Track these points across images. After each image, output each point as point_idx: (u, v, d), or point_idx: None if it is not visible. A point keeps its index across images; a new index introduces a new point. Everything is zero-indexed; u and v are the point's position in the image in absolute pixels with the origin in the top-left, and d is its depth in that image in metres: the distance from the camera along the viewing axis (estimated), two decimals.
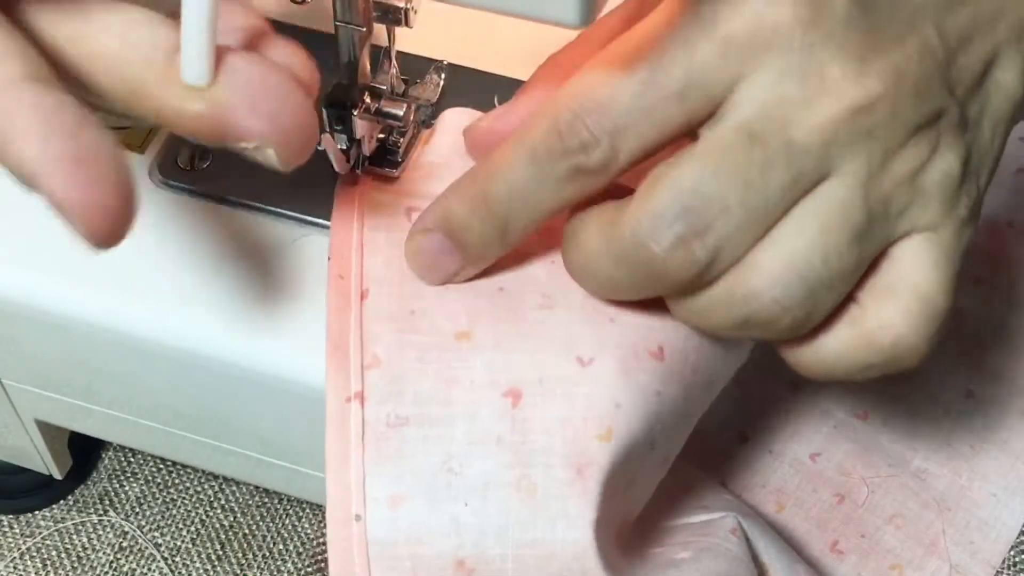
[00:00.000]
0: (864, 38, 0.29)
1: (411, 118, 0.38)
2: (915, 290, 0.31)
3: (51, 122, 0.25)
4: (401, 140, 0.38)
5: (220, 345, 0.37)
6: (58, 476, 0.52)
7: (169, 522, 0.53)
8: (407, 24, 0.35)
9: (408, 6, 0.34)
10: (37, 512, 0.54)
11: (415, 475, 0.33)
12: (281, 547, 0.53)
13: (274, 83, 0.27)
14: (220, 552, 0.53)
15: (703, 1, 0.29)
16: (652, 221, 0.30)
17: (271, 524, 0.53)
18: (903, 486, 0.49)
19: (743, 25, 0.29)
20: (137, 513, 0.54)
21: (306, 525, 0.53)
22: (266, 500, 0.54)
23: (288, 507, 0.54)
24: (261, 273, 0.37)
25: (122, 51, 0.27)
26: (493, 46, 0.42)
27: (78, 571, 0.52)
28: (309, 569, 0.52)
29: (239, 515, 0.54)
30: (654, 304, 0.33)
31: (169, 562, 0.52)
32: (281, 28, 0.30)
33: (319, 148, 0.30)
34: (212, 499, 0.54)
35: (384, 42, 0.37)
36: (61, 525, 0.53)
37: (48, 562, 0.52)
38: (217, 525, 0.53)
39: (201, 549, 0.53)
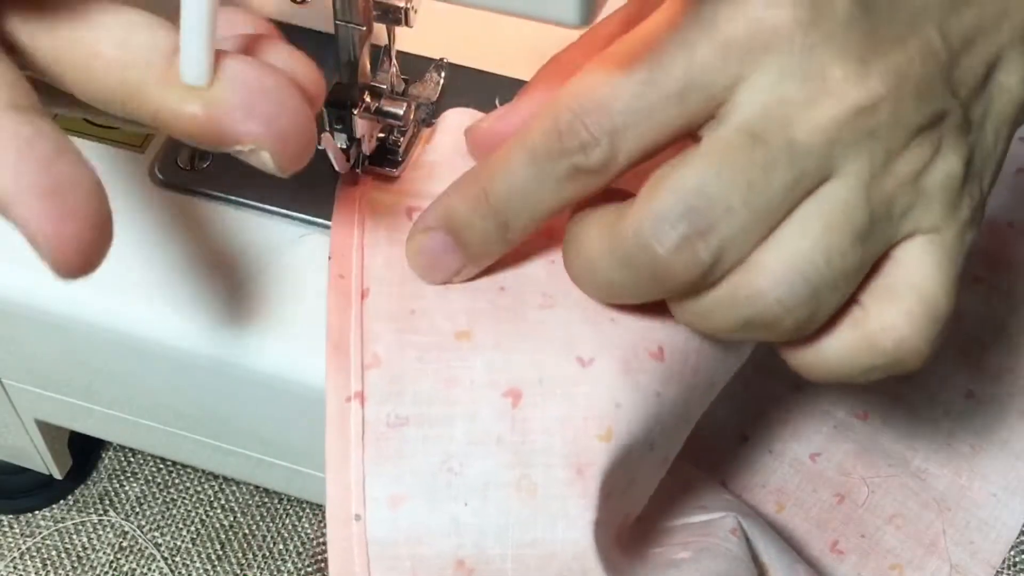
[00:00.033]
0: (865, 39, 0.29)
1: (411, 117, 0.38)
2: (917, 292, 0.31)
3: (25, 153, 0.25)
4: (401, 139, 0.38)
5: (220, 345, 0.37)
6: (58, 476, 0.52)
7: (169, 522, 0.53)
8: (407, 23, 0.35)
9: (408, 5, 0.34)
10: (37, 512, 0.54)
11: (415, 475, 0.33)
12: (281, 547, 0.53)
13: (272, 86, 0.27)
14: (220, 552, 0.53)
15: (704, 2, 0.29)
16: (655, 222, 0.30)
17: (271, 524, 0.53)
18: (903, 486, 0.49)
19: (743, 26, 0.29)
20: (137, 513, 0.54)
21: (306, 525, 0.53)
22: (266, 500, 0.54)
23: (288, 507, 0.54)
24: (261, 273, 0.37)
25: (121, 53, 0.27)
26: (493, 46, 0.42)
27: (78, 571, 0.52)
28: (309, 569, 0.52)
29: (239, 515, 0.53)
30: (655, 305, 0.33)
31: (169, 562, 0.52)
32: (281, 28, 0.30)
33: (319, 148, 0.30)
34: (212, 499, 0.54)
35: (384, 41, 0.37)
36: (61, 525, 0.53)
37: (48, 562, 0.52)
38: (217, 525, 0.53)
39: (201, 549, 0.53)
